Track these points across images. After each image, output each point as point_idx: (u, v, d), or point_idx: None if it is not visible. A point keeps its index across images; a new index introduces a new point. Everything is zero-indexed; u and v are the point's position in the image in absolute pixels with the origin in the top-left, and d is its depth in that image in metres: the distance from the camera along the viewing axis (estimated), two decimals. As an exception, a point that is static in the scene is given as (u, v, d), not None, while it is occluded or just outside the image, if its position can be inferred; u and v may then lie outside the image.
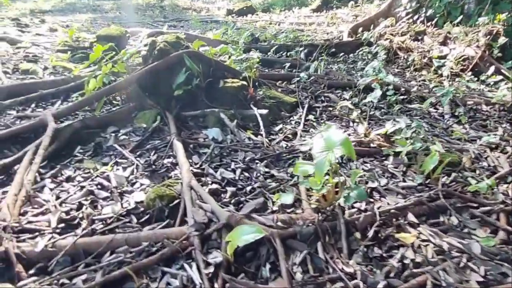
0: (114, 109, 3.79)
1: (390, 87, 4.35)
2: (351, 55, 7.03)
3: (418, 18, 8.15)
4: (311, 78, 4.80)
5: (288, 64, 5.57)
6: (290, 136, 3.45)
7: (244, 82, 3.72)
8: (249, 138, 3.32)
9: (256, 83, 4.12)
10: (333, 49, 7.12)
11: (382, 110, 4.17)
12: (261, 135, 3.34)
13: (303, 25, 12.29)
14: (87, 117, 3.45)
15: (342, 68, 5.88)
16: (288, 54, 6.55)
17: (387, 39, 6.84)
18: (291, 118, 3.85)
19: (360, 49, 7.24)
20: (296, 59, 5.88)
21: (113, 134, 3.30)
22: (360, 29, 9.28)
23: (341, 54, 6.96)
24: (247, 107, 3.64)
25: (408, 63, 6.13)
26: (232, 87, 3.65)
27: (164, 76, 3.64)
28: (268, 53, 6.43)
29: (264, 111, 3.53)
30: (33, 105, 3.83)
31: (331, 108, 4.16)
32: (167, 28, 7.81)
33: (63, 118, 3.40)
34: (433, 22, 7.70)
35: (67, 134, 3.04)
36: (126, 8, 18.75)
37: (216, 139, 3.24)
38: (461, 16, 7.04)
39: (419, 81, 5.43)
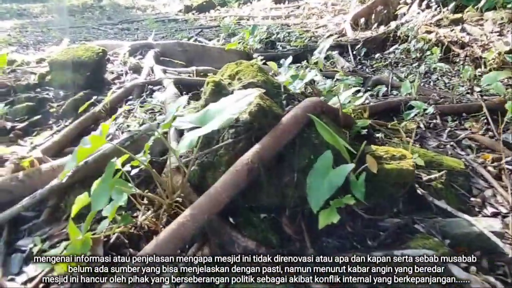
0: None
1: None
2: (380, 53, 5.36)
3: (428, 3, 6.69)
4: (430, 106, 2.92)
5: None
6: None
7: (405, 152, 1.77)
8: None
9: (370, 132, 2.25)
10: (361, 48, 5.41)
11: None
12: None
13: (279, 19, 10.42)
14: None
15: (407, 76, 4.17)
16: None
17: (428, 31, 5.24)
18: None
19: (391, 45, 5.61)
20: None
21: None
22: (362, 20, 7.65)
23: (374, 53, 5.26)
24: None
25: (470, 61, 4.61)
26: (398, 171, 1.69)
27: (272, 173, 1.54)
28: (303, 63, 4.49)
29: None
30: None
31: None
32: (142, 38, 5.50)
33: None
34: (449, 8, 6.27)
35: None
36: (59, 11, 15.22)
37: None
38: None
39: None
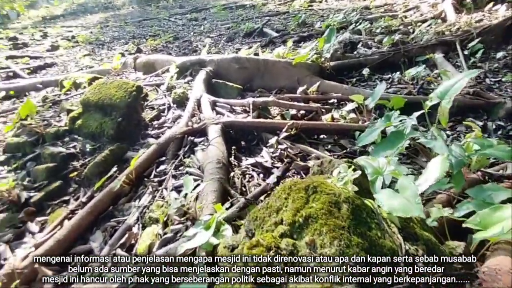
0: None
1: None
2: (504, 51, 3.81)
3: None
4: None
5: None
6: None
7: None
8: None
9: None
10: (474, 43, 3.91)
11: None
12: None
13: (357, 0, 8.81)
14: None
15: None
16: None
17: None
18: None
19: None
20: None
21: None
22: (468, -2, 5.84)
23: (495, 50, 3.75)
24: None
25: None
26: None
27: None
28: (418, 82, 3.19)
29: None
30: None
31: None
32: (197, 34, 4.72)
33: None
34: None
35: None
36: (138, 1, 15.25)
37: None
38: None
39: None
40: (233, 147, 2.02)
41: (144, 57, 3.75)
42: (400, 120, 1.71)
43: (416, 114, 1.74)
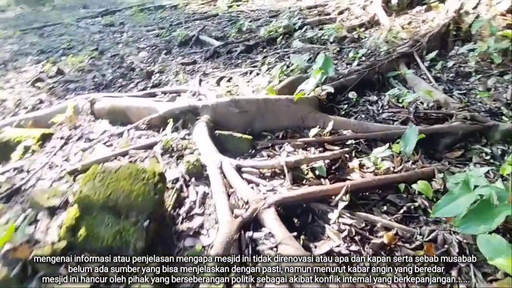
0: None
1: None
2: (443, 59, 4.14)
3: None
4: None
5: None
6: None
7: None
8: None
9: None
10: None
11: None
12: None
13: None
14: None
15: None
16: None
17: (509, 24, 3.99)
18: None
19: (454, 42, 4.39)
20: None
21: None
22: (394, 0, 6.21)
23: (438, 57, 4.02)
24: None
25: None
26: None
27: None
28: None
29: None
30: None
31: None
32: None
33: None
34: None
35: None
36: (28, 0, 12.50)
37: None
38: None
39: None
40: (299, 235, 1.72)
41: (105, 101, 3.01)
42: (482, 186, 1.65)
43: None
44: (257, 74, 4.14)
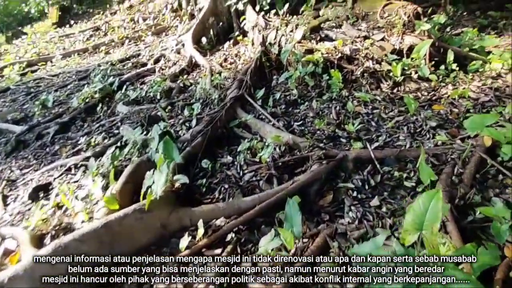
0: None
1: None
2: (267, 89, 4.32)
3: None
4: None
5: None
6: None
7: None
8: None
9: None
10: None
11: None
12: None
13: (87, 55, 7.62)
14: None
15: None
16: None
17: (308, 50, 4.42)
18: None
19: (270, 72, 4.62)
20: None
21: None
22: (203, 39, 6.23)
23: (265, 95, 4.13)
24: None
25: (370, 77, 4.14)
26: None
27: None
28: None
29: None
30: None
31: None
32: None
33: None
34: (284, 10, 5.71)
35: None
36: None
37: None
38: None
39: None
40: None
41: None
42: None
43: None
44: (85, 169, 3.22)
